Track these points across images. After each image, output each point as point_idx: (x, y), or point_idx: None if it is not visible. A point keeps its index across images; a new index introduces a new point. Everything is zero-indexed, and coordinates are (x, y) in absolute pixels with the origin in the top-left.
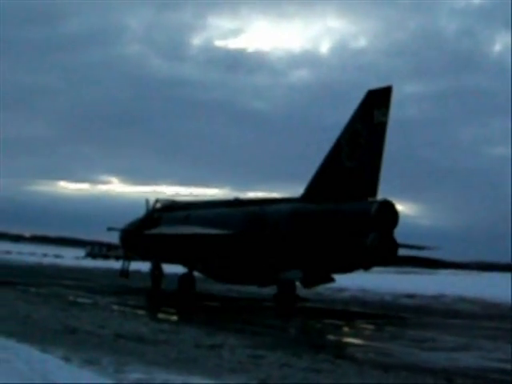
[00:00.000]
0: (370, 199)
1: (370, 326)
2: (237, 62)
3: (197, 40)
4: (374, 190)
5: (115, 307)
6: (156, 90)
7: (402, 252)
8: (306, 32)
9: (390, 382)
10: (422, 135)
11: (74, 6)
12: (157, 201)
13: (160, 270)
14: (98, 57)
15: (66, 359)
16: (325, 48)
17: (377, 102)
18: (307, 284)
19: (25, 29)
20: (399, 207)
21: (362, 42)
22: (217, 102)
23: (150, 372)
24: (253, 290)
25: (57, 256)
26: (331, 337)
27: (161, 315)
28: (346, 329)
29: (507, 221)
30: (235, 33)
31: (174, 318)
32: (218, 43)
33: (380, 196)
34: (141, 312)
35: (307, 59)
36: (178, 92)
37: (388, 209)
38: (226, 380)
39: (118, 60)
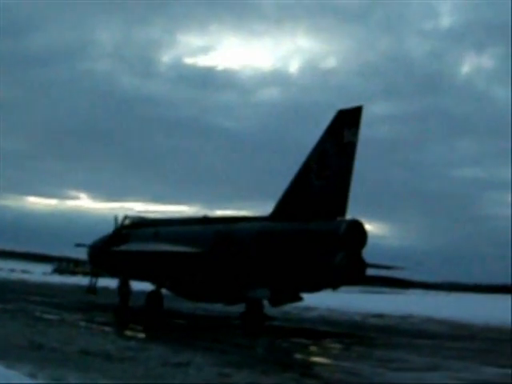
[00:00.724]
0: (339, 218)
1: (338, 346)
2: (206, 79)
3: (166, 57)
4: (342, 210)
5: (82, 324)
6: (125, 106)
7: (370, 272)
8: (276, 51)
9: None
10: (391, 156)
11: (41, 21)
12: (125, 217)
13: (128, 286)
14: (66, 72)
15: (32, 376)
16: (294, 67)
17: (347, 121)
18: (275, 303)
19: None
20: (368, 227)
21: (331, 62)
22: (186, 120)
23: None
24: (220, 308)
25: (24, 271)
26: (298, 356)
27: (128, 332)
28: (313, 348)
29: (474, 242)
30: (204, 50)
31: (141, 335)
32: (188, 60)
33: (349, 215)
34: (108, 329)
35: (277, 78)
36: (147, 109)
37: (357, 228)
38: None
39: (86, 75)
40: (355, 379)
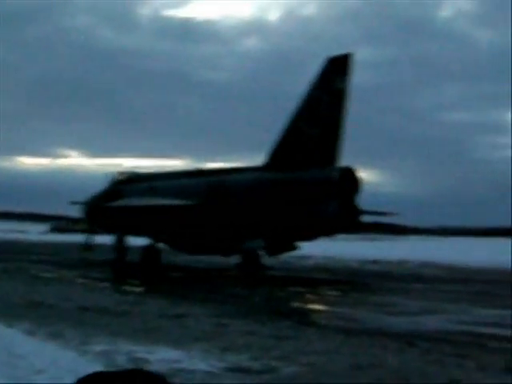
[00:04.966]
0: (332, 166)
1: (334, 293)
2: (186, 31)
3: (145, 10)
4: (335, 158)
5: (80, 280)
6: (108, 61)
7: (365, 219)
8: (255, 0)
9: (353, 347)
10: (379, 102)
11: None
12: (120, 173)
13: (124, 242)
14: (46, 30)
15: (31, 333)
16: (274, 16)
17: (337, 69)
18: (271, 252)
19: None
20: (361, 174)
21: (311, 9)
22: (169, 73)
23: (115, 343)
24: (218, 260)
25: (21, 231)
26: (295, 304)
27: (125, 287)
28: (309, 296)
29: (468, 186)
30: (183, 2)
31: (139, 289)
32: (167, 12)
33: (342, 163)
34: (105, 284)
35: (257, 27)
36: (130, 63)
37: (350, 176)
38: (190, 349)
39: (67, 32)
40: (351, 325)
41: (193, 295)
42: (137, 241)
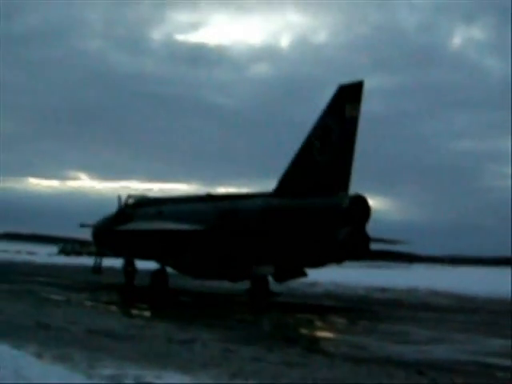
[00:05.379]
0: (342, 193)
1: (343, 320)
2: (198, 56)
3: (156, 34)
4: (345, 185)
5: (88, 303)
6: (119, 84)
7: (374, 246)
8: (266, 26)
9: (361, 375)
10: (389, 129)
11: (32, 1)
12: (129, 196)
13: (133, 266)
14: (59, 52)
15: (39, 355)
16: (285, 42)
17: (348, 96)
18: (279, 279)
19: None
20: (371, 201)
21: (322, 37)
22: (180, 97)
23: (123, 367)
24: (226, 285)
25: (30, 253)
26: (304, 331)
27: (133, 311)
28: (318, 323)
29: (476, 215)
30: (195, 27)
31: (147, 313)
32: (178, 37)
33: (352, 190)
34: (113, 308)
35: (268, 53)
36: (141, 87)
37: (360, 203)
38: (198, 375)
39: (79, 55)
40: (360, 353)
41: (200, 320)
42: (146, 264)
